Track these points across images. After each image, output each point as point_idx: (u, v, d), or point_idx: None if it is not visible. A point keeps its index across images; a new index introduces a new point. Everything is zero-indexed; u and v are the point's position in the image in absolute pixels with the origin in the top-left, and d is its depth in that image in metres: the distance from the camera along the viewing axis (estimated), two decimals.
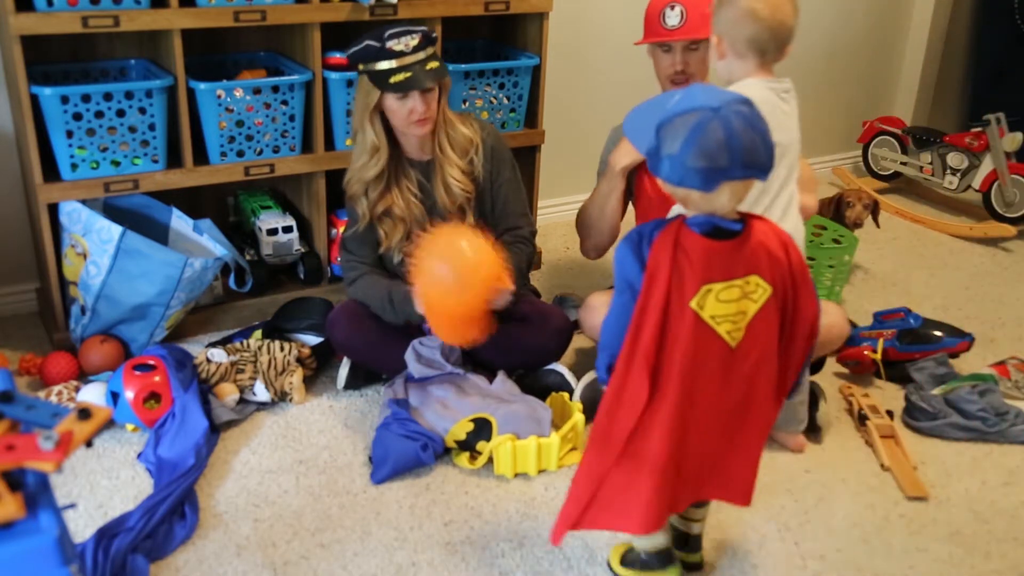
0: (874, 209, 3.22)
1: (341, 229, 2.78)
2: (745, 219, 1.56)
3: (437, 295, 2.08)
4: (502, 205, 2.39)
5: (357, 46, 2.19)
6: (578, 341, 2.55)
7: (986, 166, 3.67)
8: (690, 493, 1.70)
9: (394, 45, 2.15)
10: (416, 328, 2.36)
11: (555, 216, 3.58)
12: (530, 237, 2.43)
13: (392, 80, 2.15)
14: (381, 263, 2.39)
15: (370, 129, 2.23)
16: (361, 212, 2.31)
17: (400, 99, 2.17)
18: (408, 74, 2.15)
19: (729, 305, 1.54)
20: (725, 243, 1.53)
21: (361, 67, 2.20)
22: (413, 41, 2.16)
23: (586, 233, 2.54)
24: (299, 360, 2.37)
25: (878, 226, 3.31)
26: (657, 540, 1.74)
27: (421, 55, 2.17)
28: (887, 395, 2.49)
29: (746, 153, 1.43)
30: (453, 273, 2.03)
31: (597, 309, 2.28)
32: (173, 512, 1.90)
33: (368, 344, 2.33)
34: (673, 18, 2.37)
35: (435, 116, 2.23)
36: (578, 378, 2.35)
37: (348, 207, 2.38)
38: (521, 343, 2.34)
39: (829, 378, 2.53)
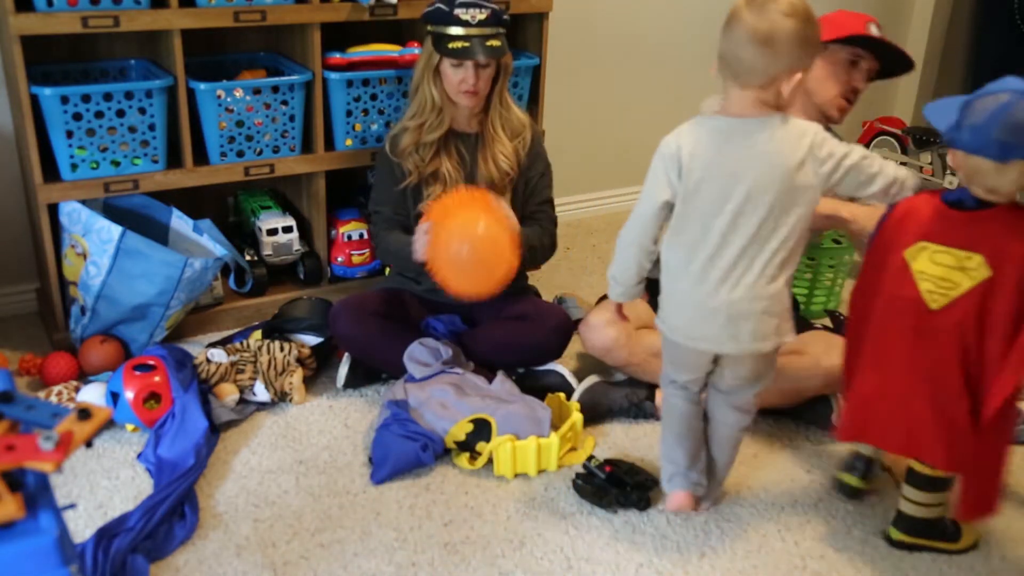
0: None
1: (341, 229, 2.78)
2: (998, 206, 1.68)
3: (451, 271, 2.18)
4: (530, 194, 2.48)
5: (430, 7, 2.29)
6: (581, 345, 2.55)
7: None
8: (880, 432, 1.85)
9: (461, 14, 2.24)
10: (415, 328, 2.38)
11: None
12: (551, 217, 2.52)
13: (450, 45, 2.24)
14: (407, 222, 2.44)
15: (431, 88, 2.32)
16: (408, 169, 2.38)
17: (454, 66, 2.27)
18: (466, 44, 2.24)
19: (938, 268, 1.70)
20: (958, 213, 1.70)
21: (429, 27, 2.29)
22: (481, 15, 2.24)
23: None
24: (299, 360, 2.37)
25: None
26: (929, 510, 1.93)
27: (485, 30, 2.25)
28: None
29: None
30: (469, 255, 2.15)
31: (598, 328, 2.28)
32: (173, 512, 1.90)
33: (369, 339, 2.34)
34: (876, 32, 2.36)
35: (484, 92, 2.33)
36: (579, 380, 2.35)
37: (383, 163, 2.43)
38: (521, 340, 2.34)
39: None
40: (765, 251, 1.71)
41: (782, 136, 1.68)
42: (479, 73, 2.28)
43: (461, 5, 2.25)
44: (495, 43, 2.27)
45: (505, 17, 2.31)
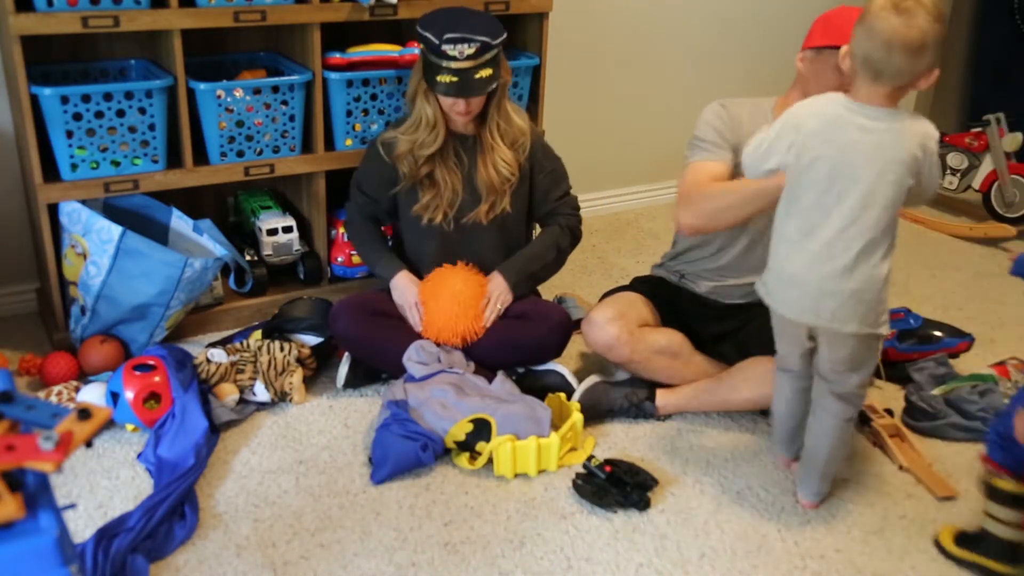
0: None
1: (341, 229, 2.78)
2: None
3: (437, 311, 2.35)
4: (542, 195, 2.49)
5: (423, 29, 2.25)
6: (582, 344, 2.55)
7: (986, 166, 3.66)
8: None
9: (448, 49, 2.20)
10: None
11: None
12: (572, 213, 2.54)
13: (438, 78, 2.23)
14: (379, 213, 2.53)
15: (426, 105, 2.32)
16: (403, 172, 2.39)
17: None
18: (454, 79, 2.22)
19: None
20: None
21: (421, 47, 2.28)
22: (469, 50, 2.20)
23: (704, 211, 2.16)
24: (299, 360, 2.37)
25: None
26: (1014, 531, 1.83)
27: (476, 62, 2.22)
28: (887, 395, 2.49)
29: None
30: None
31: (600, 325, 2.27)
32: (173, 512, 1.90)
33: (370, 339, 2.34)
34: None
35: (477, 109, 2.32)
36: (580, 380, 2.35)
37: (374, 157, 2.45)
38: (520, 339, 2.34)
39: None
40: (865, 236, 1.77)
41: (905, 129, 1.74)
42: (470, 100, 2.27)
43: (448, 41, 2.20)
44: (485, 73, 2.24)
45: (494, 43, 2.25)
